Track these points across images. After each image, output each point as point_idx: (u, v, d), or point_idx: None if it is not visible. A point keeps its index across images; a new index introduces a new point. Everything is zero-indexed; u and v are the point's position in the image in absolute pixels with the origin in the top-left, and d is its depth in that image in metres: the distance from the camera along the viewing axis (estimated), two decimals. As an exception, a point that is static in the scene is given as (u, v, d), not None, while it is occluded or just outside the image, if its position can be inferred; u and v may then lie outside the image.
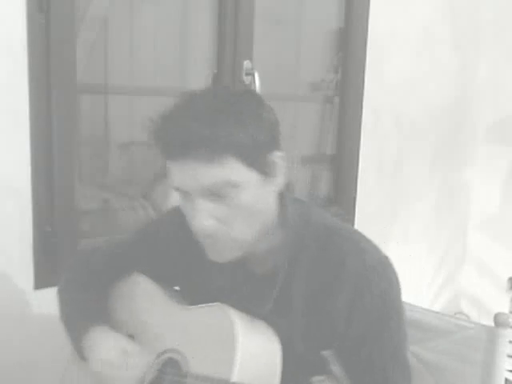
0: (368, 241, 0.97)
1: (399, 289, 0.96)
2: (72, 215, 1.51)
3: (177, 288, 1.12)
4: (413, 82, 2.32)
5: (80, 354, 1.05)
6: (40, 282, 1.45)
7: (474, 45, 2.55)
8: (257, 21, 1.82)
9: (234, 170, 0.86)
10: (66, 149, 1.47)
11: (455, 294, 2.77)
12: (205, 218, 0.87)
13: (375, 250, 0.96)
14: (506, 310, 2.48)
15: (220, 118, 0.85)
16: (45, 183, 1.45)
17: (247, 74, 1.78)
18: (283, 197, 0.97)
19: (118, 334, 1.03)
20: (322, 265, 0.94)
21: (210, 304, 0.96)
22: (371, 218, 2.28)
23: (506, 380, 1.33)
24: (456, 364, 1.17)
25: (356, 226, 2.21)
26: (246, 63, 1.79)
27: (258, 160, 0.88)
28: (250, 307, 0.96)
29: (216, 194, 0.87)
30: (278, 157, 0.92)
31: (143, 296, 1.10)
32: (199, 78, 1.83)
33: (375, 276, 0.92)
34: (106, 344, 1.00)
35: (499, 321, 1.13)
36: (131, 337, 1.07)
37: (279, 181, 0.93)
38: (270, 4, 1.95)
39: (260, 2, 1.82)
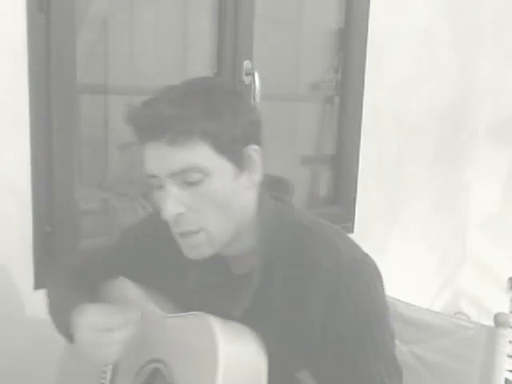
0: (346, 239, 0.96)
1: (379, 286, 0.93)
2: (72, 215, 1.51)
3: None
4: (413, 82, 2.32)
5: (69, 339, 1.02)
6: (40, 282, 1.45)
7: (474, 45, 2.55)
8: (257, 21, 1.82)
9: (203, 155, 0.86)
10: (66, 149, 1.46)
11: (455, 294, 2.77)
12: (173, 204, 0.87)
13: (352, 248, 0.94)
14: (506, 310, 2.48)
15: (193, 103, 0.86)
16: (45, 183, 1.44)
17: (247, 74, 1.78)
18: (260, 195, 0.96)
19: (100, 307, 1.00)
20: (297, 265, 0.93)
21: (191, 313, 0.94)
22: (371, 217, 2.28)
23: (506, 380, 1.33)
24: (456, 364, 1.17)
25: (356, 226, 2.21)
26: (246, 63, 1.79)
27: (231, 150, 0.88)
28: (228, 308, 0.95)
29: (186, 180, 0.87)
30: (253, 150, 0.91)
31: (129, 302, 1.08)
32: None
33: (351, 275, 0.90)
34: (87, 322, 0.96)
35: (499, 321, 1.13)
36: None
37: (255, 176, 0.92)
38: (269, 4, 1.95)
39: (260, 2, 1.83)
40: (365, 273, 0.92)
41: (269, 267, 0.94)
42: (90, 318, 0.96)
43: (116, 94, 1.68)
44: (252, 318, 0.94)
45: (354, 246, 0.95)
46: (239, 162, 0.90)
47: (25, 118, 1.40)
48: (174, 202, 0.88)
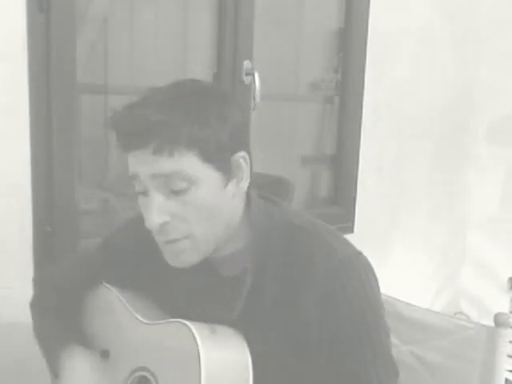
0: (338, 237, 0.95)
1: (374, 283, 0.93)
2: (72, 215, 1.51)
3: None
4: (413, 82, 2.32)
5: (55, 376, 1.05)
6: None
7: (474, 45, 2.55)
8: (257, 21, 1.82)
9: (189, 164, 0.84)
10: (66, 149, 1.46)
11: (455, 294, 2.77)
12: (157, 213, 0.86)
13: (344, 246, 0.93)
14: (506, 310, 2.48)
15: (179, 108, 0.84)
16: (45, 183, 1.44)
17: (247, 74, 1.78)
18: (248, 197, 0.95)
19: (89, 354, 1.03)
20: (290, 264, 0.92)
21: (173, 320, 0.94)
22: (371, 218, 2.28)
23: (506, 380, 1.33)
24: (456, 364, 1.18)
25: (356, 226, 2.21)
26: (246, 63, 1.79)
27: (218, 159, 0.86)
28: (219, 312, 0.94)
29: (172, 189, 0.85)
30: (241, 157, 0.89)
31: (113, 309, 1.07)
32: (199, 78, 1.82)
33: (346, 273, 0.89)
34: (76, 369, 1.00)
35: (499, 321, 1.13)
36: (106, 352, 1.06)
37: (243, 184, 0.91)
38: (270, 4, 1.95)
39: (260, 2, 1.82)
40: (359, 270, 0.91)
41: (260, 268, 0.92)
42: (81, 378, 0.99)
43: (116, 94, 1.68)
44: (245, 321, 0.93)
45: (347, 244, 0.94)
46: (227, 170, 0.88)
47: (25, 118, 1.40)
48: (158, 211, 0.86)
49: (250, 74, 1.77)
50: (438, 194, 2.58)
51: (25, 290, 1.44)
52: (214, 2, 1.77)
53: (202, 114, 0.85)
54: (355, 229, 2.20)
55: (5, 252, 1.41)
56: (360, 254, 0.93)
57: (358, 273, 0.91)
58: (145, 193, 0.88)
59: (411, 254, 2.48)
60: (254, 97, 1.75)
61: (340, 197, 2.20)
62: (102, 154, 1.74)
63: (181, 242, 0.89)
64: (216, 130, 0.86)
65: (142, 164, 0.86)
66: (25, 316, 1.44)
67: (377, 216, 2.31)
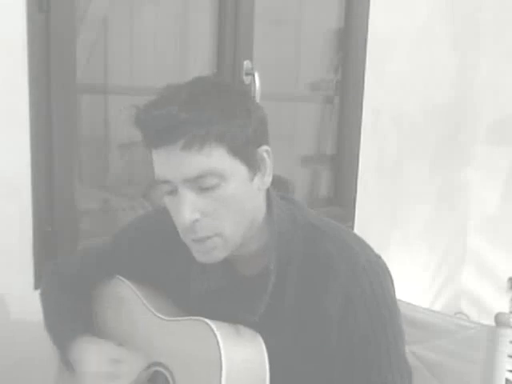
0: (358, 240, 0.95)
1: (392, 287, 0.94)
2: (72, 215, 1.51)
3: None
4: (413, 82, 2.32)
5: (67, 365, 1.04)
6: (40, 282, 1.45)
7: (474, 45, 2.56)
8: (257, 21, 1.82)
9: (219, 160, 0.84)
10: (66, 149, 1.46)
11: (455, 294, 2.77)
12: (190, 210, 0.84)
13: (365, 250, 0.94)
14: (506, 310, 2.48)
15: (206, 105, 0.84)
16: (45, 183, 1.44)
17: (247, 74, 1.78)
18: (269, 195, 0.95)
19: (104, 342, 1.01)
20: (312, 268, 0.92)
21: (193, 318, 0.93)
22: (371, 217, 2.28)
23: (507, 380, 1.33)
24: (457, 364, 1.18)
25: (356, 226, 2.21)
26: (246, 63, 1.79)
27: (245, 152, 0.86)
28: (241, 312, 0.94)
29: (202, 185, 0.84)
30: (265, 151, 0.90)
31: (127, 302, 1.07)
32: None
33: (367, 277, 0.90)
34: (92, 356, 0.99)
35: (500, 321, 1.13)
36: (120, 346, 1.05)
37: (267, 178, 0.91)
38: (270, 4, 1.95)
39: (260, 2, 1.82)
40: (379, 275, 0.92)
41: (282, 269, 0.92)
42: (96, 367, 0.97)
43: (116, 94, 1.68)
44: (265, 321, 0.93)
45: (368, 248, 0.95)
46: (253, 164, 0.88)
47: (25, 118, 1.39)
48: (190, 209, 0.84)
49: (250, 73, 1.77)
50: (438, 194, 2.58)
51: (25, 290, 1.45)
52: (214, 2, 1.77)
53: (228, 109, 0.85)
54: (355, 229, 2.20)
55: (5, 252, 1.40)
56: (379, 257, 0.94)
57: (378, 277, 0.91)
58: (173, 192, 0.87)
59: (411, 254, 2.48)
60: (254, 97, 1.75)
61: (340, 197, 2.20)
62: (102, 154, 1.74)
63: (211, 239, 0.87)
64: (242, 124, 0.86)
65: (172, 163, 0.84)
66: (25, 315, 1.45)
67: (377, 216, 2.31)
